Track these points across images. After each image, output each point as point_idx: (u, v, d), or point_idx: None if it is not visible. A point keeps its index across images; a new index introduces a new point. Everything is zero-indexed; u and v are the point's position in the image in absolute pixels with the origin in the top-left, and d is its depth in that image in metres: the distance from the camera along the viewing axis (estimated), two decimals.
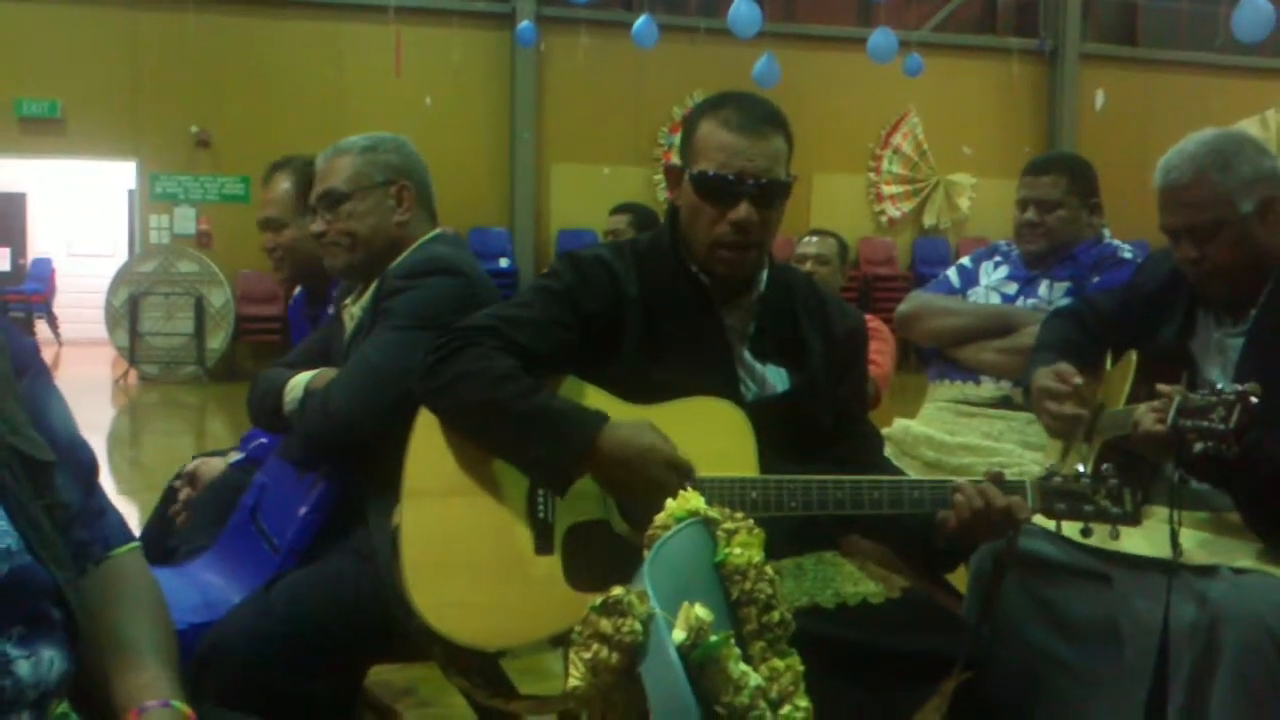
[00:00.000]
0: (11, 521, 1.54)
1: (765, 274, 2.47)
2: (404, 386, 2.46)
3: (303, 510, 2.61)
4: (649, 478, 2.12)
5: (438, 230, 2.91)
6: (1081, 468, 2.28)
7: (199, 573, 2.71)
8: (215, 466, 3.22)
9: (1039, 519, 2.34)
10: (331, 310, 3.28)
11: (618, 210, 6.17)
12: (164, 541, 3.06)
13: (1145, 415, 2.41)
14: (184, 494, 3.21)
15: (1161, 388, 2.38)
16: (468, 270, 2.73)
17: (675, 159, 2.46)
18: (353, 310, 2.86)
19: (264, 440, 3.16)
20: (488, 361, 2.24)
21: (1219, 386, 2.26)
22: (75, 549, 1.69)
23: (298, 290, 3.78)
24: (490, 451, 2.27)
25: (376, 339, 2.63)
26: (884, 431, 3.17)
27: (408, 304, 2.64)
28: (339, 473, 2.62)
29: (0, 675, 1.49)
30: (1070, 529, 2.33)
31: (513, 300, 2.44)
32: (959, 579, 2.90)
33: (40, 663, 1.53)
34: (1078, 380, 2.65)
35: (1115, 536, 2.26)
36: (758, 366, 2.41)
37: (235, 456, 3.23)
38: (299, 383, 2.77)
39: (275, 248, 3.54)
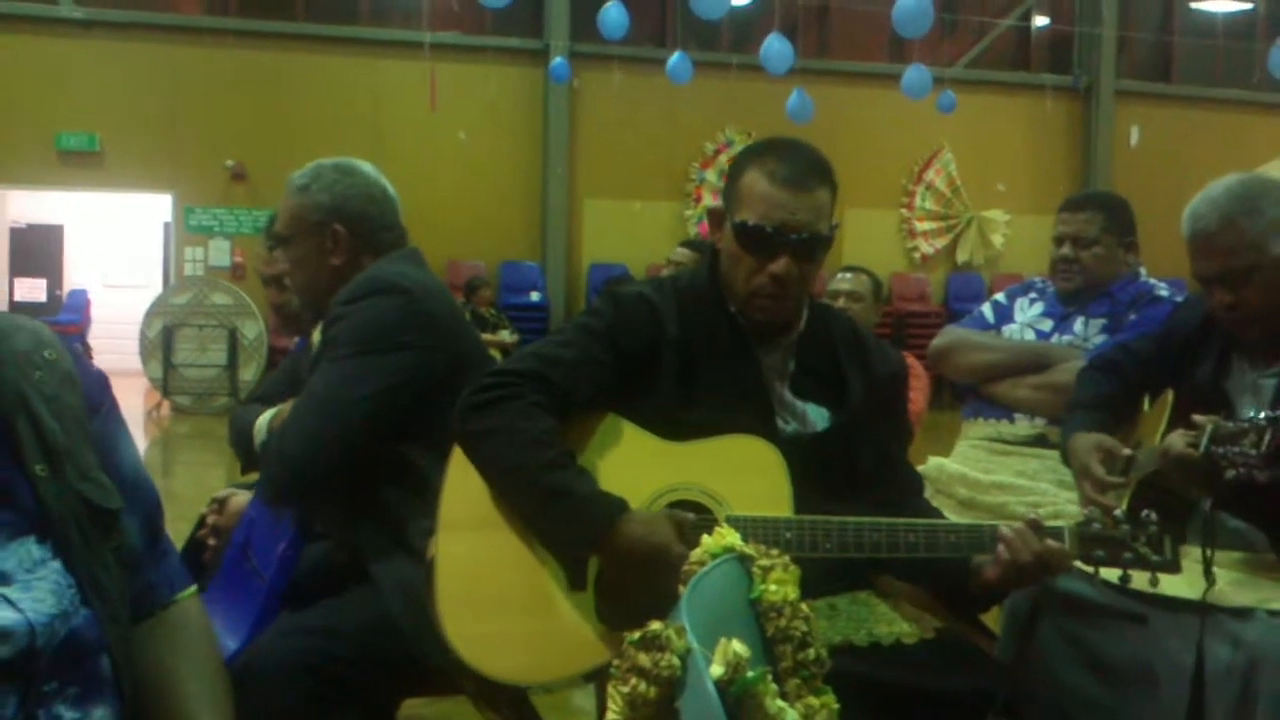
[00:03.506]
0: (72, 577, 1.53)
1: (805, 313, 2.45)
2: (356, 416, 2.47)
3: (281, 547, 2.60)
4: (654, 578, 2.05)
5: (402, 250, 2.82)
6: (1119, 513, 2.26)
7: None
8: (244, 499, 3.22)
9: (1076, 564, 2.31)
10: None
11: (687, 245, 6.25)
12: (193, 568, 3.06)
13: (1177, 441, 2.41)
14: (211, 519, 3.21)
15: (1196, 418, 2.38)
16: (410, 286, 2.61)
17: (707, 195, 2.46)
18: (314, 338, 2.83)
19: None
20: (525, 420, 2.22)
21: (1251, 415, 2.26)
22: (142, 592, 1.70)
23: (297, 340, 3.75)
24: (512, 508, 2.26)
25: (322, 371, 2.58)
26: (918, 469, 3.15)
27: (348, 331, 2.56)
28: (313, 508, 2.60)
29: None
30: (1108, 574, 2.30)
31: (555, 338, 2.42)
32: (992, 619, 2.88)
33: None
34: (1126, 452, 2.63)
35: (1154, 584, 2.24)
36: (798, 405, 2.39)
37: None
38: (263, 423, 2.74)
39: (282, 305, 3.50)
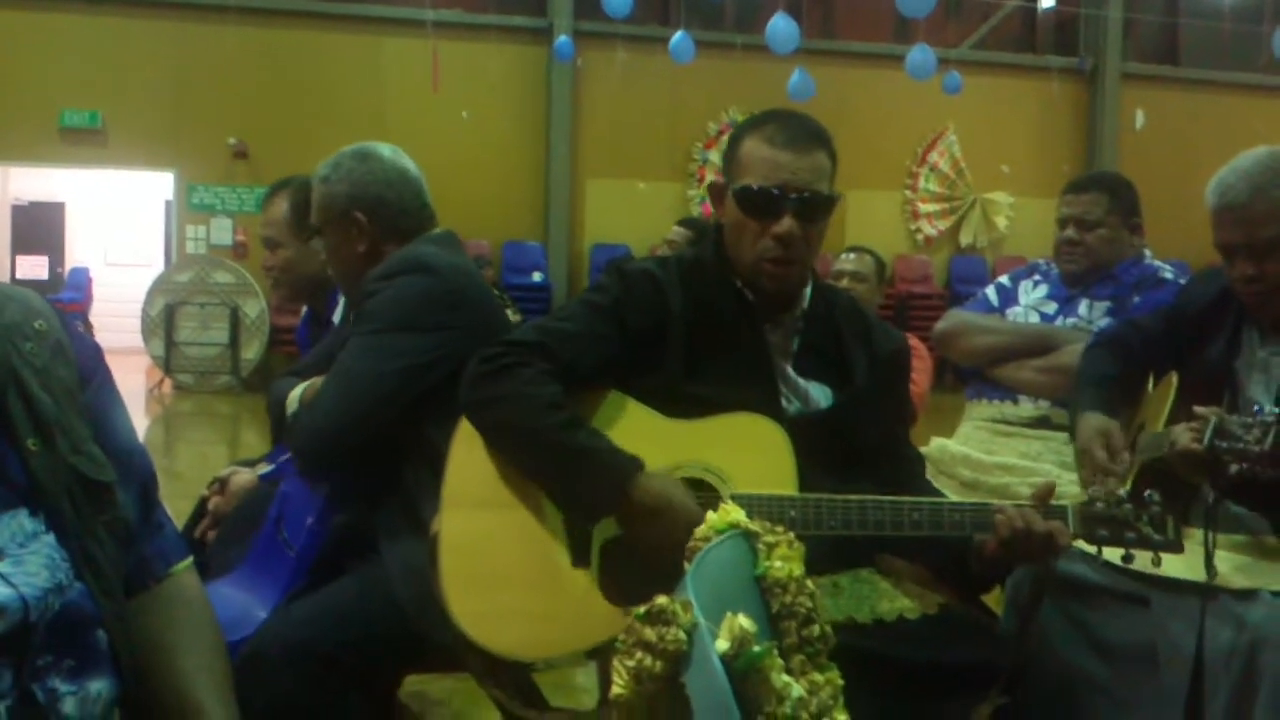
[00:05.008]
0: (65, 550, 1.52)
1: (809, 292, 2.46)
2: (383, 390, 2.51)
3: (309, 520, 2.62)
4: (670, 536, 2.05)
5: (435, 232, 2.87)
6: (1122, 492, 2.26)
7: (223, 589, 2.69)
8: (246, 477, 3.22)
9: (1079, 543, 2.32)
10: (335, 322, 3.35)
11: (683, 224, 6.27)
12: (196, 552, 3.06)
13: (1182, 434, 2.41)
14: (212, 501, 3.21)
15: (1199, 410, 2.38)
16: (442, 266, 2.66)
17: (710, 175, 2.46)
18: (350, 317, 2.87)
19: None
20: (535, 386, 2.23)
21: (1257, 409, 2.26)
22: (138, 565, 1.69)
23: (305, 310, 3.81)
24: (524, 474, 2.27)
25: (352, 345, 2.62)
26: (921, 450, 3.15)
27: (380, 306, 2.61)
28: (341, 482, 2.62)
29: (49, 714, 1.47)
30: (1110, 554, 2.31)
31: (559, 313, 2.43)
32: (994, 600, 2.88)
33: (87, 699, 1.51)
34: (1126, 457, 2.64)
35: (1157, 564, 2.25)
36: (801, 383, 2.40)
37: (265, 468, 3.23)
38: (295, 396, 2.79)
39: (271, 266, 3.60)
